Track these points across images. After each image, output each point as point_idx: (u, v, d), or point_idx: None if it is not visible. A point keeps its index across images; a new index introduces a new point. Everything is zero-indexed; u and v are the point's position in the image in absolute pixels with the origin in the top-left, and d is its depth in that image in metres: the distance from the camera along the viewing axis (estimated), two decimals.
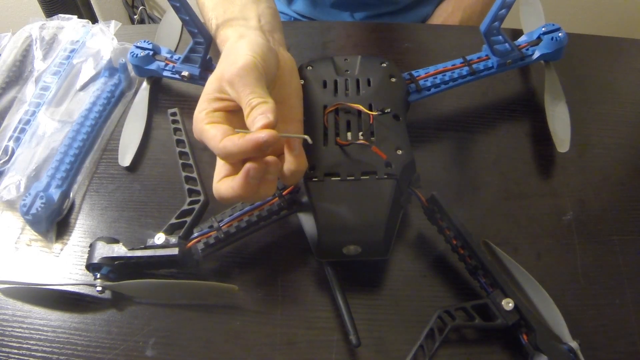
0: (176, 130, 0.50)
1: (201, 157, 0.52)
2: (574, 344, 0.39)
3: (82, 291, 0.45)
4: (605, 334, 0.43)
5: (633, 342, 0.42)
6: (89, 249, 0.44)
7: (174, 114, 0.51)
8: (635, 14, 1.36)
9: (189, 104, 0.58)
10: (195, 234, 0.44)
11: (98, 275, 0.43)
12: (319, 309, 0.44)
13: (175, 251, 0.42)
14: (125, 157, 0.53)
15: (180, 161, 0.48)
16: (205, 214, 0.46)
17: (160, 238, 0.43)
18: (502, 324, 0.40)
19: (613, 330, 0.43)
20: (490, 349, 0.41)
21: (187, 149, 0.49)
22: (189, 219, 0.44)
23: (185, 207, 0.45)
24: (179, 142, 0.49)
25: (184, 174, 0.47)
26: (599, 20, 1.39)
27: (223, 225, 0.43)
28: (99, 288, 0.42)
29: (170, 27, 0.64)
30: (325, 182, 0.42)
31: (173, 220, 0.44)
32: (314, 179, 0.42)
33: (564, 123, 0.52)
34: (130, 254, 0.43)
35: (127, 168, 0.52)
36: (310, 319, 0.43)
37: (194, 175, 0.47)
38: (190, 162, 0.48)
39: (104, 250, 0.43)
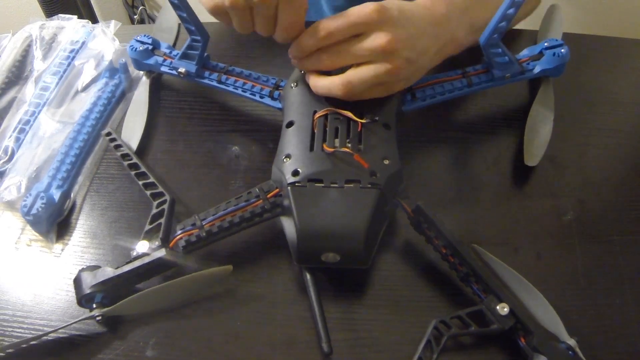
0: (117, 147, 0.51)
1: (148, 161, 0.52)
2: (572, 342, 0.39)
3: (82, 332, 0.43)
4: (605, 334, 0.43)
5: (633, 342, 0.42)
6: (74, 285, 0.42)
7: (109, 134, 0.52)
8: (635, 14, 1.36)
9: (188, 103, 0.58)
10: (178, 232, 0.43)
11: (94, 306, 0.42)
12: None
13: (162, 253, 0.42)
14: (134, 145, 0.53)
15: (132, 172, 0.48)
16: (177, 213, 0.46)
17: (142, 245, 0.42)
18: (499, 328, 0.39)
19: (613, 330, 0.43)
20: (489, 354, 0.41)
21: (134, 159, 0.49)
22: (162, 221, 0.44)
23: (154, 210, 0.45)
24: (125, 156, 0.50)
25: (140, 182, 0.47)
26: (599, 20, 1.39)
27: (205, 224, 0.43)
28: (99, 317, 0.41)
29: (167, 24, 0.64)
30: (308, 188, 0.41)
31: (147, 227, 0.44)
32: (296, 184, 0.42)
33: (542, 140, 0.52)
34: (119, 271, 0.42)
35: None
36: (310, 319, 0.43)
37: (151, 179, 0.47)
38: (143, 169, 0.48)
39: (90, 279, 0.42)
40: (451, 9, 0.49)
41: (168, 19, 0.65)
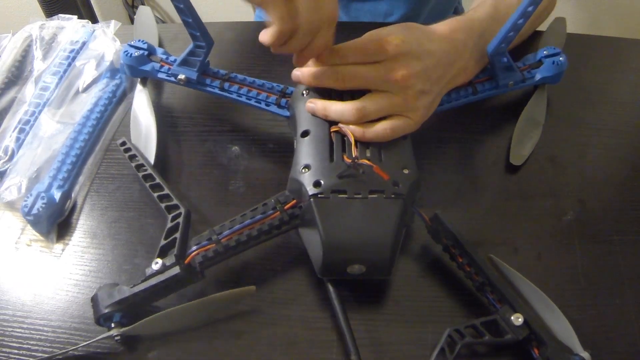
0: (132, 157, 0.49)
1: (164, 172, 0.51)
2: (585, 355, 0.39)
3: (99, 350, 0.42)
4: (605, 334, 0.43)
5: (633, 342, 0.42)
6: (92, 303, 0.42)
7: (123, 144, 0.50)
8: (635, 14, 1.36)
9: (188, 103, 0.58)
10: (194, 248, 0.42)
11: (112, 325, 0.41)
12: (319, 309, 0.44)
13: (176, 270, 0.41)
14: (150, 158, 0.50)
15: (147, 184, 0.47)
16: (193, 225, 0.45)
17: (157, 263, 0.42)
18: (513, 339, 0.39)
19: (613, 330, 0.43)
20: None
21: (149, 171, 0.48)
22: (177, 235, 0.43)
23: (169, 224, 0.44)
24: (139, 167, 0.49)
25: (155, 194, 0.46)
26: (599, 20, 1.39)
27: (222, 239, 0.42)
28: (117, 337, 0.41)
29: (145, 28, 0.62)
30: (331, 199, 0.41)
31: (163, 242, 0.43)
32: (320, 195, 0.41)
33: (530, 143, 0.53)
34: (135, 290, 0.41)
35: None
36: (310, 319, 0.43)
37: (166, 191, 0.46)
38: (157, 181, 0.47)
39: (107, 298, 0.41)
40: (468, 36, 0.50)
41: (145, 22, 0.62)
